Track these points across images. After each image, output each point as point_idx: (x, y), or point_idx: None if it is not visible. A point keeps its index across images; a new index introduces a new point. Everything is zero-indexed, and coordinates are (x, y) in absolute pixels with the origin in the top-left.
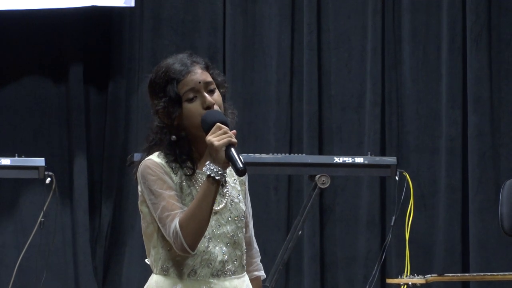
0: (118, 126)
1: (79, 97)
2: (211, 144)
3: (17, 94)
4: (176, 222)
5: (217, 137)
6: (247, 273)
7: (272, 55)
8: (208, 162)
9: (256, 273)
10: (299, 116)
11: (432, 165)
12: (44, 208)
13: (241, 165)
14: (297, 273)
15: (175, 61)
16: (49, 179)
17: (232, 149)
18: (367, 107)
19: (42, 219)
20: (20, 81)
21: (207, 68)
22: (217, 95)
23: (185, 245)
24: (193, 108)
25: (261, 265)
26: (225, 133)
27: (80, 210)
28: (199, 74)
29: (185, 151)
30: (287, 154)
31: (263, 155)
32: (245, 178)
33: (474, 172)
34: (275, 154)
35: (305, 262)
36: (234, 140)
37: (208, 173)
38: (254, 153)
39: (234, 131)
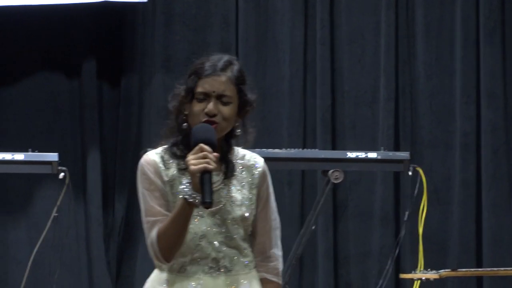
0: (131, 121)
1: (92, 92)
2: (188, 166)
3: (30, 89)
4: (154, 232)
5: (194, 160)
6: (258, 274)
7: (285, 50)
8: (185, 181)
9: (265, 274)
10: (312, 111)
11: (446, 160)
12: (58, 203)
13: (207, 199)
14: (311, 268)
15: (212, 60)
16: (62, 174)
17: (207, 177)
18: (381, 102)
19: (56, 214)
20: (33, 77)
21: (236, 81)
22: (228, 109)
23: (160, 257)
24: (197, 107)
25: (277, 270)
26: (204, 157)
27: (94, 205)
28: (219, 83)
29: (185, 142)
30: (300, 149)
31: (276, 150)
32: (259, 182)
33: (488, 167)
34: (288, 149)
35: (319, 257)
36: (211, 166)
37: (182, 194)
38: (267, 148)
39: (216, 154)
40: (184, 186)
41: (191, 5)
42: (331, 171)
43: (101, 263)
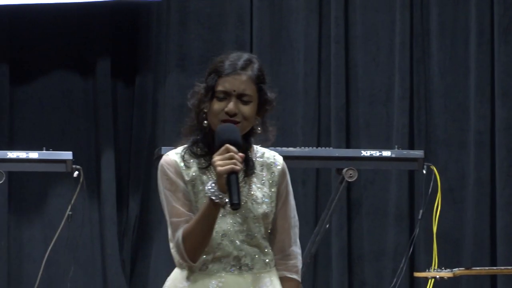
0: (145, 120)
1: (107, 91)
2: (215, 167)
3: (45, 88)
4: (179, 233)
5: (221, 161)
6: (278, 272)
7: (299, 49)
8: (210, 182)
9: (285, 272)
10: (327, 109)
11: (460, 159)
12: (72, 202)
13: (235, 200)
14: (325, 266)
15: (232, 58)
16: (76, 172)
17: (233, 178)
18: (395, 101)
19: (70, 213)
20: (48, 76)
21: (256, 80)
22: (249, 108)
23: (186, 258)
24: (217, 106)
25: (296, 268)
26: (230, 158)
27: (108, 204)
28: (240, 82)
29: (205, 141)
30: (314, 148)
31: (290, 149)
32: (279, 179)
33: (502, 165)
34: (303, 147)
35: (333, 256)
36: (238, 167)
37: (208, 194)
38: (282, 147)
39: (242, 154)
40: (210, 187)
41: (205, 4)
42: (345, 169)
43: (115, 261)
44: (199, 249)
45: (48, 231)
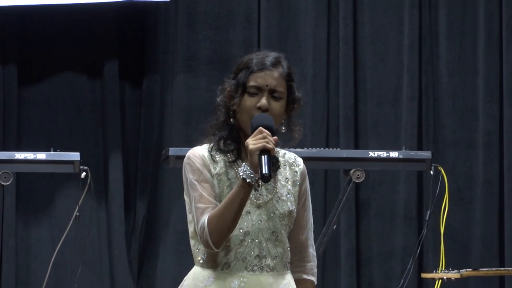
0: (153, 121)
1: (114, 92)
2: (247, 146)
3: (53, 89)
4: (205, 217)
5: (254, 141)
6: (294, 274)
7: (307, 49)
8: (244, 164)
9: (304, 275)
10: (335, 110)
11: (469, 160)
12: (79, 203)
13: (266, 172)
14: (333, 267)
15: (262, 55)
16: (84, 173)
17: (265, 155)
18: (404, 101)
19: (77, 214)
20: (56, 77)
21: (287, 78)
22: (279, 105)
23: (210, 242)
24: (249, 102)
25: (313, 270)
26: (263, 138)
27: (115, 205)
28: (272, 78)
29: (233, 137)
30: (322, 149)
31: (298, 150)
32: (300, 179)
33: (511, 166)
34: (310, 148)
35: (342, 257)
36: (270, 146)
37: (241, 174)
38: (289, 148)
39: (275, 137)
40: (243, 167)
41: (213, 4)
42: (352, 170)
43: (123, 262)
44: (224, 232)
45: (55, 232)
